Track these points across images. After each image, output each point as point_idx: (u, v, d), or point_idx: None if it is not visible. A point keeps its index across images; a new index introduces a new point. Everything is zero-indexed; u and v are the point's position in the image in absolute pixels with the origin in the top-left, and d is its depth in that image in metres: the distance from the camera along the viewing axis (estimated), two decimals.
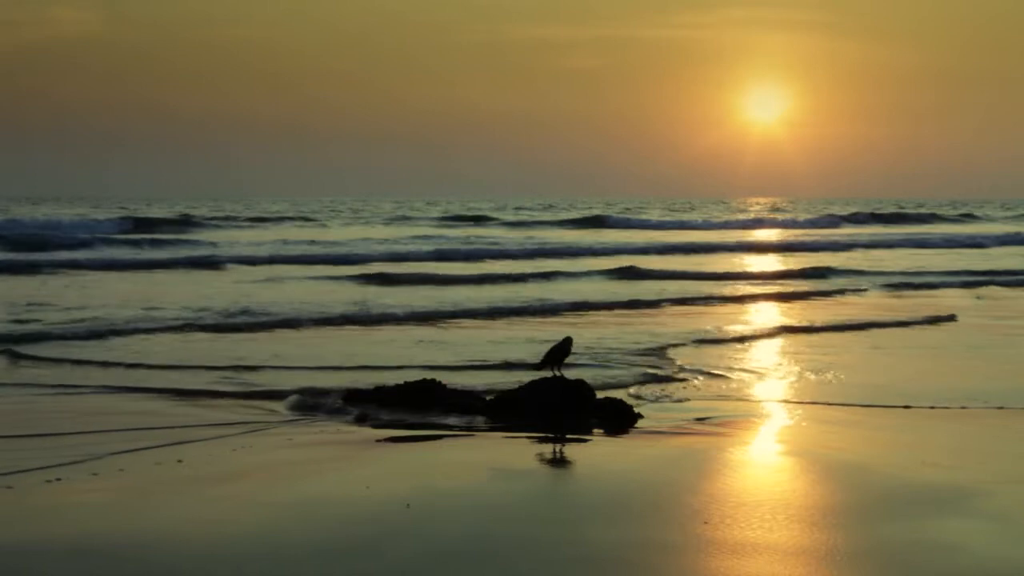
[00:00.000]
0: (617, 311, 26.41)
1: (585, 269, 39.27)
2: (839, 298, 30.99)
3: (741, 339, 21.43)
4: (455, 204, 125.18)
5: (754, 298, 30.51)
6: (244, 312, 23.64)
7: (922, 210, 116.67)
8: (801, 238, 65.06)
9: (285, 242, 51.43)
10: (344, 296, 28.40)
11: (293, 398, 14.55)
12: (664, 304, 27.97)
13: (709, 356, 18.96)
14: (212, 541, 8.68)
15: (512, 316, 24.78)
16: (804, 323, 24.05)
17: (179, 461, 11.27)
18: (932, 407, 14.45)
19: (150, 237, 51.76)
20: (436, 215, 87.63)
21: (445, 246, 50.28)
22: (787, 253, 53.25)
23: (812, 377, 16.99)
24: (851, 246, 57.65)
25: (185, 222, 64.83)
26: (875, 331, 23.13)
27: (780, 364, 18.39)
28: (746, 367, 17.93)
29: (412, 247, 49.79)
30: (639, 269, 38.65)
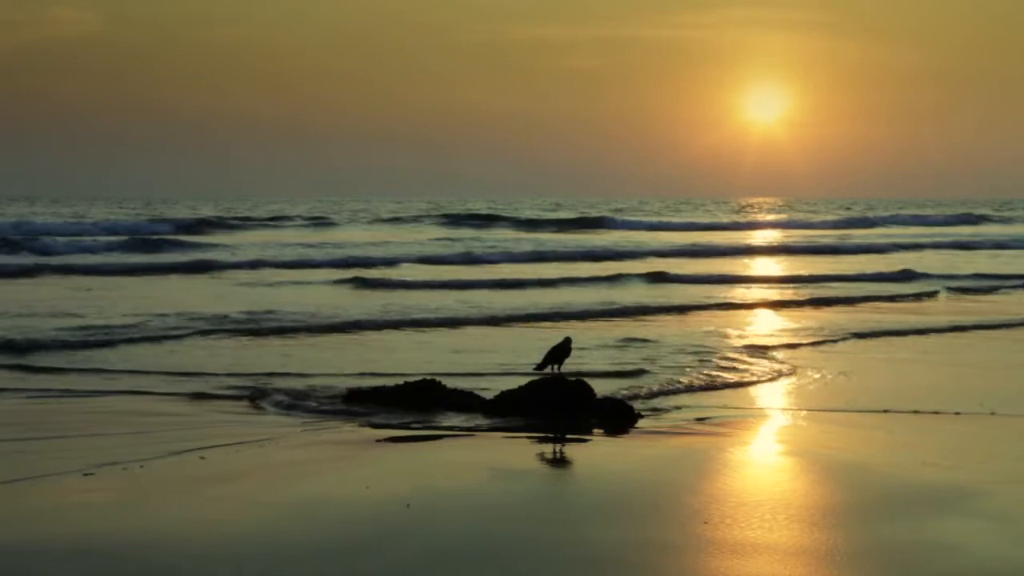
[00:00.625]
0: (673, 315, 26.01)
1: (615, 272, 37.57)
2: (918, 302, 30.08)
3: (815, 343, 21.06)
4: (455, 204, 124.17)
5: (826, 303, 29.26)
6: (261, 317, 23.29)
7: (926, 210, 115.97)
8: (839, 240, 62.46)
9: (301, 245, 50.12)
10: (365, 301, 27.92)
11: (275, 397, 14.58)
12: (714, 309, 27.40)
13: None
14: (212, 541, 8.68)
15: (544, 321, 24.24)
16: (885, 328, 23.47)
17: (201, 458, 11.34)
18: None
19: (161, 238, 51.07)
20: (441, 216, 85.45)
21: (460, 249, 48.72)
22: (832, 256, 51.34)
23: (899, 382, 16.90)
24: (894, 248, 55.57)
25: (195, 224, 63.48)
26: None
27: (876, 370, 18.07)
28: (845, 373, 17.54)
29: (433, 250, 48.23)
30: (668, 274, 37.12)
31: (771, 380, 16.70)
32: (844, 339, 21.64)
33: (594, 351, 19.09)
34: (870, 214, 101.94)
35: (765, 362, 18.32)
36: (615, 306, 26.78)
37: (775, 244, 60.40)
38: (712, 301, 29.02)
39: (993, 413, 14.18)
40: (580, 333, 21.15)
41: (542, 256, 46.86)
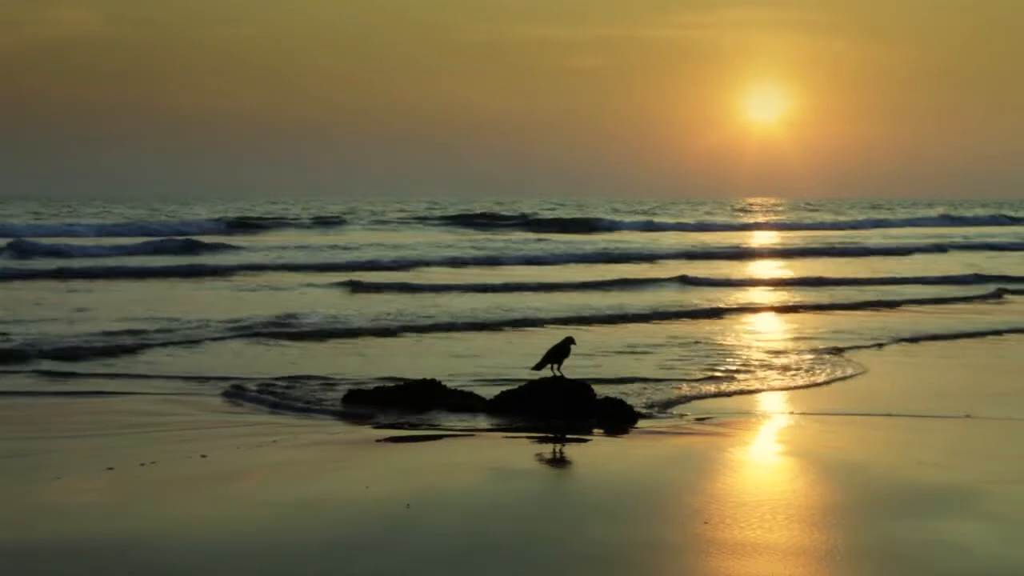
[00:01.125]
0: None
1: (636, 276, 36.34)
2: (984, 304, 29.59)
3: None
4: (457, 204, 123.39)
5: (884, 305, 28.50)
6: (267, 320, 23.09)
7: (927, 211, 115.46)
8: (866, 241, 61.02)
9: (306, 247, 49.27)
10: (371, 304, 27.43)
11: (272, 399, 14.64)
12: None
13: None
14: (213, 540, 8.69)
15: (590, 323, 24.04)
16: None
17: (203, 457, 11.38)
18: None
19: (167, 240, 50.27)
20: (444, 217, 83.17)
21: (469, 251, 47.38)
22: (867, 257, 50.34)
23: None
24: (916, 249, 54.34)
25: (200, 227, 62.51)
26: None
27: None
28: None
29: (439, 253, 46.59)
30: (690, 277, 36.00)
31: (793, 386, 16.45)
32: (895, 342, 21.34)
33: (613, 356, 18.99)
34: (874, 214, 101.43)
35: (810, 365, 18.14)
36: (633, 311, 26.31)
37: (800, 247, 57.10)
38: (748, 305, 28.65)
39: (968, 416, 14.03)
40: (599, 337, 21.21)
41: (558, 259, 45.31)
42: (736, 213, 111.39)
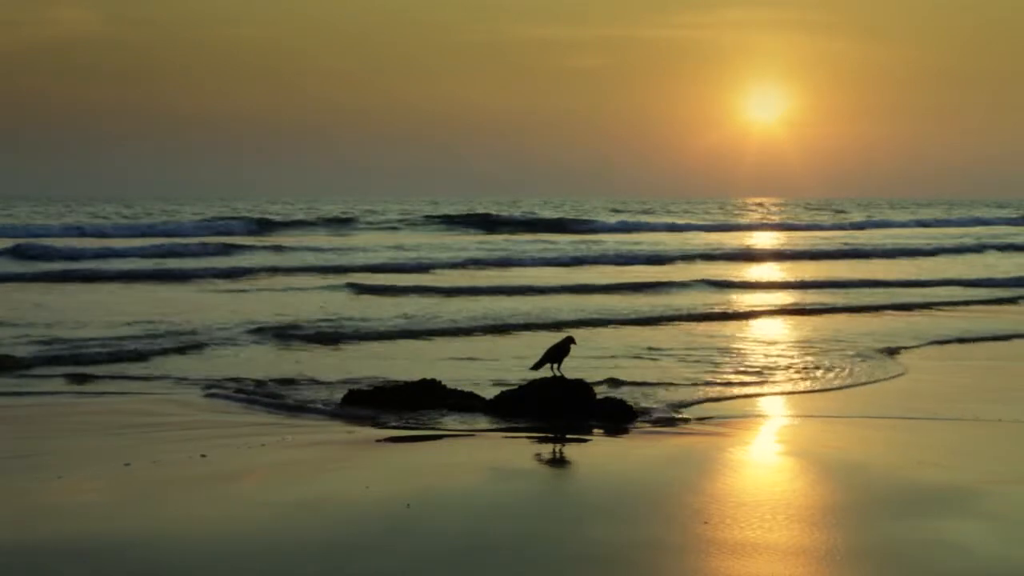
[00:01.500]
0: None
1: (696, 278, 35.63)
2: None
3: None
4: (458, 205, 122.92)
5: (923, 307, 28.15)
6: (273, 322, 22.96)
7: (928, 211, 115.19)
8: (899, 242, 59.53)
9: (309, 249, 48.46)
10: (376, 307, 27.15)
11: (272, 400, 14.63)
12: None
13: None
14: (213, 540, 8.69)
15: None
16: None
17: (203, 456, 11.40)
18: None
19: (169, 243, 50.27)
20: (446, 217, 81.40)
21: (473, 254, 46.06)
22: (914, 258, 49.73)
23: None
24: (942, 250, 53.54)
25: (202, 227, 62.17)
26: None
27: None
28: None
29: (436, 255, 45.55)
30: (714, 280, 35.19)
31: (799, 390, 16.30)
32: (921, 345, 21.17)
33: (627, 358, 18.91)
34: (876, 215, 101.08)
35: (834, 367, 18.03)
36: (653, 313, 25.99)
37: (818, 248, 55.25)
38: (775, 307, 28.36)
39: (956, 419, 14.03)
40: (620, 340, 21.13)
41: (579, 260, 44.37)
42: (738, 213, 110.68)
